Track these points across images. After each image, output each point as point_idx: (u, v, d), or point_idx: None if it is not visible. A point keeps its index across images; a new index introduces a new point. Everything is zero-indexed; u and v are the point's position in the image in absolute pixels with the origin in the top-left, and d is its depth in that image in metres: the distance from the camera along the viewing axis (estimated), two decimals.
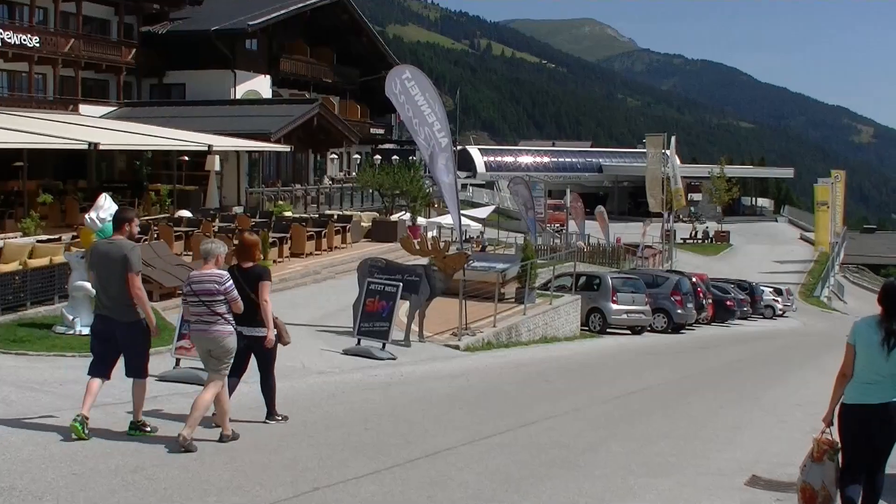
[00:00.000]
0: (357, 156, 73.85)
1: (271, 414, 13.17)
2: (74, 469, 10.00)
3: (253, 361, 12.96)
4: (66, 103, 53.85)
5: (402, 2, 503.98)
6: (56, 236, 29.40)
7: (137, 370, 11.75)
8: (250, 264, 12.65)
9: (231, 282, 11.75)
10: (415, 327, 23.58)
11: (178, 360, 15.74)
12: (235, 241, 15.22)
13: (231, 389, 12.30)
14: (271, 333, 12.55)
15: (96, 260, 11.79)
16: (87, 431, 11.18)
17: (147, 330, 11.76)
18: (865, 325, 9.08)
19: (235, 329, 11.85)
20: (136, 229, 12.45)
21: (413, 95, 25.58)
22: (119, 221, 12.08)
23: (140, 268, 11.75)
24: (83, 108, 54.11)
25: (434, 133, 25.57)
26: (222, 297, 11.61)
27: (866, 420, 8.95)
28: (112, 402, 13.25)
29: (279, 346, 12.97)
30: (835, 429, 9.25)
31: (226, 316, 11.66)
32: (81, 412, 11.27)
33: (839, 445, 9.16)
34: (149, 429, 11.74)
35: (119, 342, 11.68)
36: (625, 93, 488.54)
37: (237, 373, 12.56)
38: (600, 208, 76.78)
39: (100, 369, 11.78)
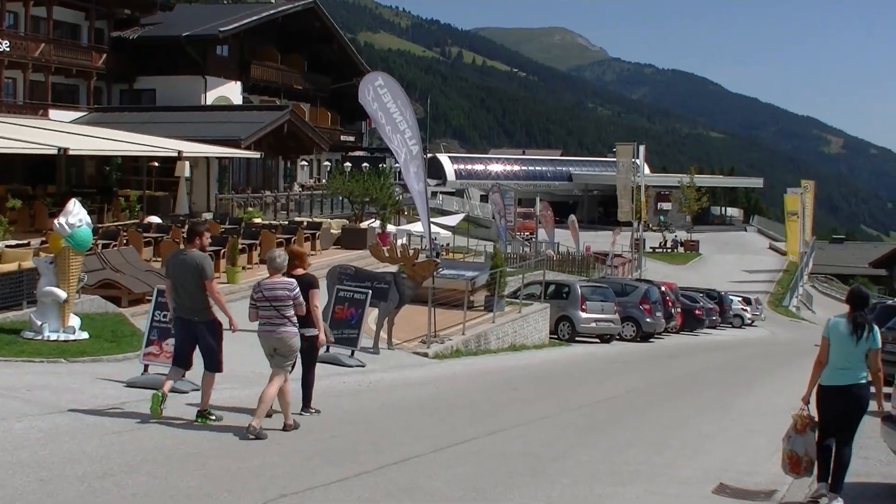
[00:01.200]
0: (327, 163, 73.75)
1: (306, 407, 14.60)
2: (42, 475, 9.98)
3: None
4: (36, 108, 53.58)
5: (374, 9, 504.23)
6: (25, 241, 29.36)
7: (213, 364, 13.40)
8: (301, 272, 14.20)
9: (298, 289, 13.26)
10: (384, 335, 23.60)
11: (146, 367, 15.70)
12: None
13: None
14: (322, 334, 14.34)
15: (172, 269, 13.54)
16: (163, 408, 12.79)
17: (219, 327, 13.46)
18: (836, 321, 11.03)
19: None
20: (208, 241, 14.45)
21: (385, 103, 25.63)
22: (192, 234, 13.67)
23: (213, 275, 13.53)
24: (53, 112, 53.85)
25: (405, 140, 25.62)
26: (290, 302, 13.10)
27: (838, 398, 10.82)
28: (79, 408, 13.25)
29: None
30: (812, 406, 11.07)
31: (292, 319, 13.15)
32: (162, 390, 13.00)
33: (816, 420, 10.99)
34: (213, 417, 13.21)
35: (196, 339, 13.39)
36: (595, 102, 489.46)
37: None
38: (572, 217, 76.96)
39: (180, 361, 13.57)
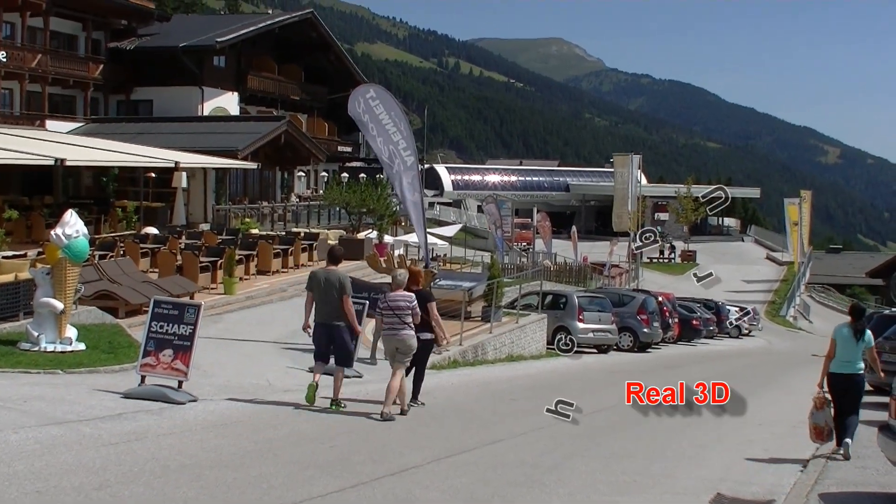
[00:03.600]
0: (324, 173, 73.65)
1: (415, 398, 17.42)
2: (38, 486, 9.96)
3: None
4: (33, 119, 53.58)
5: (371, 20, 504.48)
6: (21, 252, 29.35)
7: (345, 360, 16.69)
8: (417, 288, 17.23)
9: (416, 301, 16.28)
10: (381, 345, 23.57)
11: (143, 378, 15.66)
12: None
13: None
14: (441, 338, 17.66)
15: (315, 284, 16.19)
16: (314, 396, 15.78)
17: (352, 331, 16.65)
18: (841, 327, 15.14)
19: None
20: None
21: (378, 114, 25.68)
22: (335, 258, 16.77)
23: (351, 291, 16.43)
24: (50, 123, 53.83)
25: (399, 151, 25.67)
26: (409, 311, 16.08)
27: (843, 382, 14.87)
28: (76, 419, 13.24)
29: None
30: (825, 390, 14.97)
31: (410, 325, 16.13)
32: (314, 380, 15.98)
33: (830, 399, 14.88)
34: (343, 405, 16.14)
35: (333, 339, 16.21)
36: (592, 112, 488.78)
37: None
38: (574, 229, 77.00)
39: (323, 357, 16.42)
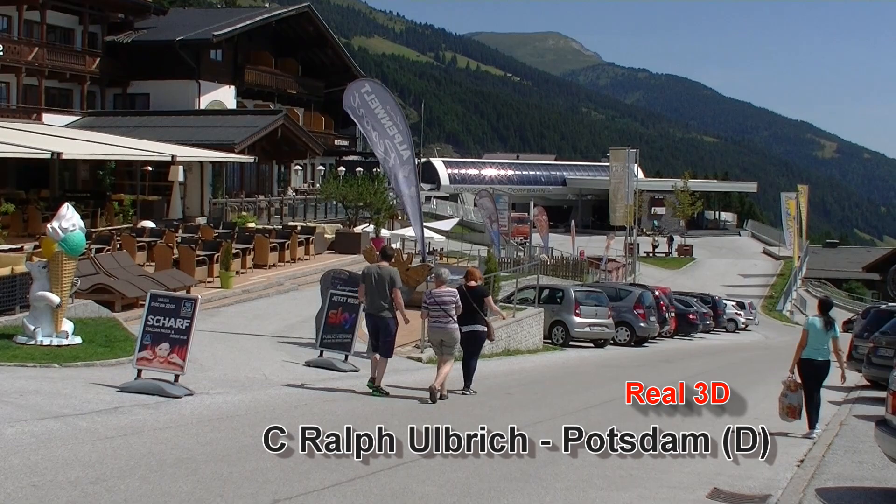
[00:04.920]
0: (321, 167, 73.74)
1: (467, 387, 18.98)
2: (34, 480, 9.95)
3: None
4: (30, 112, 53.59)
5: (368, 14, 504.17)
6: (18, 246, 29.26)
7: (386, 351, 17.78)
8: (474, 284, 19.21)
9: (458, 296, 18.23)
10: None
11: (139, 371, 15.64)
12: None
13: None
14: (493, 331, 19.84)
15: (368, 278, 17.79)
16: (374, 388, 17.42)
17: (397, 323, 17.91)
18: (813, 319, 17.14)
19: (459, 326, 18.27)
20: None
21: (373, 108, 25.65)
22: (387, 255, 18.60)
23: (401, 286, 18.13)
24: (46, 117, 53.87)
25: (395, 146, 25.64)
26: (453, 305, 18.01)
27: (812, 367, 16.87)
28: (72, 413, 13.22)
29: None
30: (796, 375, 16.96)
31: (454, 317, 18.06)
32: (372, 377, 17.58)
33: (800, 382, 16.85)
34: (386, 391, 17.57)
35: (378, 330, 17.76)
36: (589, 106, 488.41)
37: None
38: (573, 223, 77.05)
39: (376, 347, 17.89)
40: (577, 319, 36.18)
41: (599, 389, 22.48)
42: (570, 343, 35.92)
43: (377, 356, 17.64)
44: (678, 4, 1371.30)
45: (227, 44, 62.93)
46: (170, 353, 15.47)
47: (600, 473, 12.37)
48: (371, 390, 17.36)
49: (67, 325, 19.08)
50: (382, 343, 17.70)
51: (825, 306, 17.59)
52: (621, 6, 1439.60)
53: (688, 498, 11.44)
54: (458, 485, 11.22)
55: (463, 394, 18.62)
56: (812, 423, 16.95)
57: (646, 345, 40.17)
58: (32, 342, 18.45)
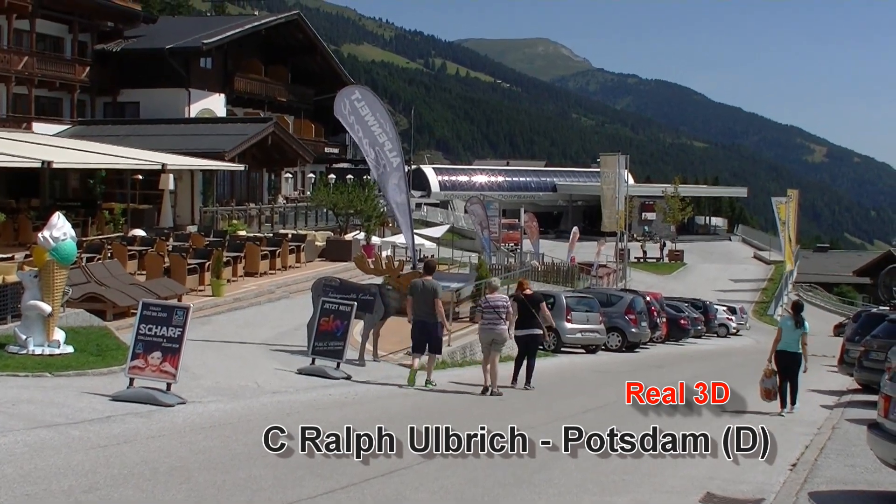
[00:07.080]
0: (311, 175, 73.64)
1: (528, 383, 21.89)
2: (27, 490, 9.93)
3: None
4: (20, 121, 53.52)
5: (357, 21, 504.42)
6: (9, 255, 29.22)
7: (436, 349, 20.87)
8: (530, 292, 22.53)
9: (509, 301, 21.35)
10: (369, 346, 23.60)
11: (131, 380, 15.62)
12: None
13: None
14: (547, 334, 23.54)
15: (414, 290, 20.44)
16: (415, 380, 20.17)
17: (442, 328, 21.27)
18: (786, 318, 20.74)
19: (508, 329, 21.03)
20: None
21: (363, 116, 25.72)
22: (430, 268, 21.67)
23: (442, 295, 21.27)
24: (36, 126, 53.79)
25: (385, 153, 25.72)
26: (506, 310, 20.75)
27: (785, 358, 20.08)
28: (64, 422, 13.22)
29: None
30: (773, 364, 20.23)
31: (505, 321, 20.69)
32: (413, 367, 20.32)
33: (776, 370, 20.07)
34: (435, 384, 20.49)
35: (429, 333, 20.37)
36: (579, 112, 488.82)
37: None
38: (575, 229, 77.04)
39: (419, 349, 20.46)
40: (569, 325, 36.10)
41: (593, 395, 22.51)
42: (562, 349, 35.90)
43: (418, 357, 20.36)
44: (668, 10, 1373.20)
45: (216, 52, 62.92)
46: (162, 361, 15.46)
47: (593, 479, 12.36)
48: (409, 385, 20.03)
49: (59, 335, 19.05)
50: (432, 343, 20.47)
51: (797, 307, 20.91)
52: (611, 12, 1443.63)
53: (681, 503, 11.45)
54: (452, 491, 11.22)
55: (525, 389, 21.68)
56: (783, 403, 20.05)
57: (637, 350, 40.17)
58: (24, 351, 18.41)
